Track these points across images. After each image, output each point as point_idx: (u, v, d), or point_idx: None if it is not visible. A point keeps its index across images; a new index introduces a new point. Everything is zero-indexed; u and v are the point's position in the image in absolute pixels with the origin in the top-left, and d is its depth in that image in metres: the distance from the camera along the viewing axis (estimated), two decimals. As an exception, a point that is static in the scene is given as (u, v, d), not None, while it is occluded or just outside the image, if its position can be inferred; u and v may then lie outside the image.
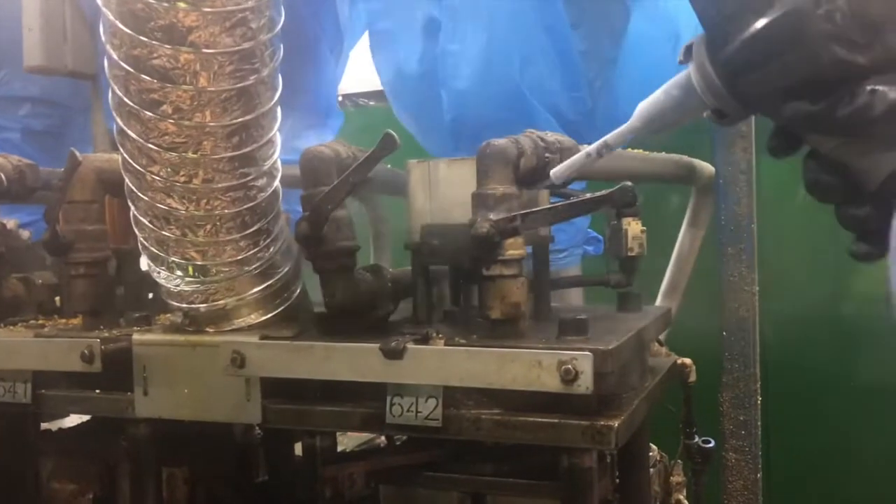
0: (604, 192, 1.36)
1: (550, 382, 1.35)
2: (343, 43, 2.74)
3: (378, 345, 1.47)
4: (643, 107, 1.03)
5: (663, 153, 2.11)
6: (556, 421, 1.40)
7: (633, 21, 2.37)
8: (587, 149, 1.15)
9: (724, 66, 0.90)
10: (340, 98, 3.35)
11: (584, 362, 1.33)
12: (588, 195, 1.38)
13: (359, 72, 3.34)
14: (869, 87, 0.81)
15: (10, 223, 2.35)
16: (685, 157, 2.25)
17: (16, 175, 2.05)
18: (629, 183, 1.32)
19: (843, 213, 0.91)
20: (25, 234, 2.68)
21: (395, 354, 1.46)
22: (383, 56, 2.41)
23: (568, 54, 2.27)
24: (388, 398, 1.51)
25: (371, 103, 4.32)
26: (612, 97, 2.31)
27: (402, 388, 1.50)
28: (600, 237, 2.42)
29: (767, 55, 0.85)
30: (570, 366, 1.33)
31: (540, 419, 1.42)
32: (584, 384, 1.33)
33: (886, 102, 0.80)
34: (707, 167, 2.34)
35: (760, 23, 0.84)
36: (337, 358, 1.51)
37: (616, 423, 1.38)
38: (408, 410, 1.50)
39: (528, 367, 1.37)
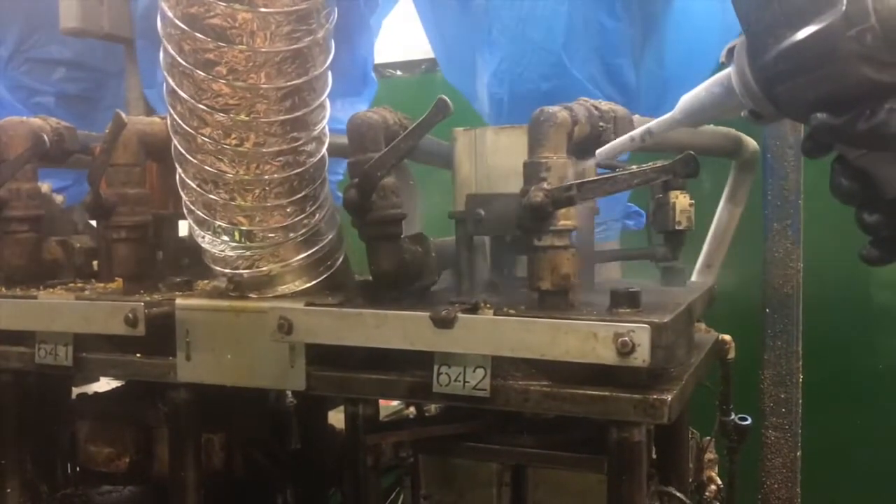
0: (665, 161, 1.33)
1: (606, 355, 1.34)
2: (378, 10, 2.71)
3: (428, 313, 1.46)
4: (685, 100, 1.11)
5: (711, 126, 2.07)
6: (607, 394, 1.39)
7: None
8: (630, 134, 1.25)
9: (761, 73, 0.96)
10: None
11: (641, 335, 1.31)
12: (649, 165, 1.35)
13: (386, 42, 3.30)
14: (888, 106, 0.86)
15: (44, 187, 2.35)
16: (732, 130, 2.21)
17: (55, 137, 2.04)
18: (691, 152, 1.29)
19: (858, 216, 0.97)
20: (59, 198, 2.69)
21: (445, 323, 1.44)
22: (432, 22, 2.38)
23: (611, 23, 2.23)
24: (436, 367, 1.50)
25: (398, 73, 4.28)
26: (655, 66, 2.27)
27: (450, 358, 1.49)
28: (641, 211, 2.39)
29: (799, 68, 0.90)
30: (627, 338, 1.31)
31: (590, 391, 1.40)
32: (641, 357, 1.31)
33: None
34: (751, 142, 2.31)
35: (795, 38, 0.89)
36: (387, 326, 1.49)
37: (669, 398, 1.36)
38: (455, 380, 1.49)
39: (584, 338, 1.35)
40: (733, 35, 1.01)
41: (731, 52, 1.00)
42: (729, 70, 1.01)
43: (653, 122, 1.18)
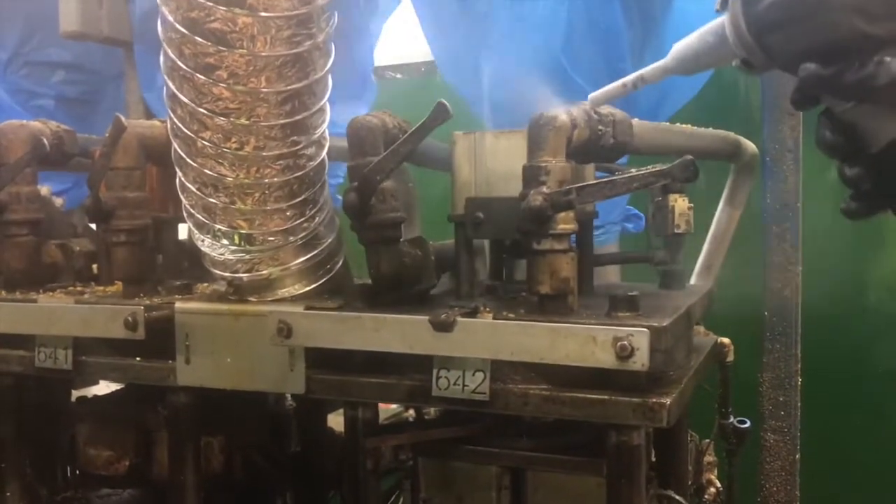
0: (664, 165, 1.34)
1: (605, 358, 1.34)
2: (379, 14, 2.71)
3: (427, 317, 1.46)
4: (678, 48, 1.11)
5: (710, 129, 2.08)
6: (606, 397, 1.39)
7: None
8: (623, 79, 1.22)
9: (754, 22, 0.96)
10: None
11: (640, 339, 1.31)
12: (647, 168, 1.35)
13: (386, 45, 3.30)
14: (877, 58, 0.87)
15: (44, 190, 2.35)
16: (732, 134, 2.22)
17: (55, 141, 2.05)
18: (690, 157, 1.29)
19: (840, 170, 0.98)
20: (59, 201, 2.69)
21: (444, 327, 1.45)
22: (432, 26, 2.39)
23: (611, 27, 2.23)
24: (435, 371, 1.50)
25: (398, 76, 4.28)
26: (655, 69, 2.26)
27: (449, 361, 1.49)
28: (641, 214, 2.39)
29: (791, 18, 0.91)
30: (626, 342, 1.32)
31: (590, 395, 1.40)
32: (640, 361, 1.31)
33: (891, 74, 0.86)
34: (749, 145, 2.31)
35: None
36: (386, 329, 1.50)
37: (668, 401, 1.37)
38: (454, 384, 1.49)
39: (583, 342, 1.35)
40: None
41: (725, 0, 1.00)
42: (722, 18, 1.01)
43: (645, 69, 1.17)
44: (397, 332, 1.49)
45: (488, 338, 1.43)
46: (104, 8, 2.56)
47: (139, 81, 2.72)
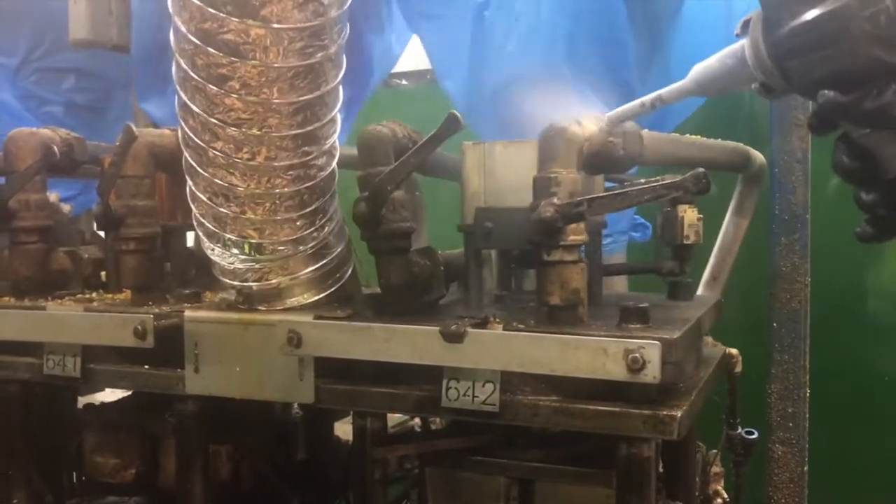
0: (674, 177, 1.34)
1: (616, 371, 1.34)
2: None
3: (438, 328, 1.46)
4: (697, 70, 1.13)
5: (720, 140, 2.07)
6: (617, 409, 1.39)
7: (687, 3, 2.33)
8: (642, 99, 1.26)
9: (774, 47, 0.97)
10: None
11: (651, 351, 1.31)
12: (658, 179, 1.35)
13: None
14: (895, 86, 0.88)
15: (52, 197, 2.35)
16: (741, 145, 2.21)
17: (65, 148, 2.05)
18: (702, 169, 1.29)
19: (856, 194, 0.99)
20: (66, 207, 2.70)
21: (455, 338, 1.45)
22: (433, 36, 2.38)
23: (616, 36, 2.23)
24: (445, 381, 1.50)
25: (404, 83, 4.29)
26: (661, 80, 2.26)
27: (459, 372, 1.49)
28: (647, 223, 2.39)
29: (812, 45, 0.92)
30: (637, 354, 1.31)
31: (600, 407, 1.40)
32: (652, 373, 1.31)
33: None
34: (758, 156, 2.31)
35: (810, 14, 0.91)
36: (396, 340, 1.50)
37: (679, 414, 1.36)
38: (464, 394, 1.49)
39: (594, 354, 1.35)
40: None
41: (746, 24, 1.02)
42: (743, 42, 1.02)
43: (664, 90, 1.20)
44: (407, 343, 1.49)
45: (498, 349, 1.43)
46: (113, 16, 2.56)
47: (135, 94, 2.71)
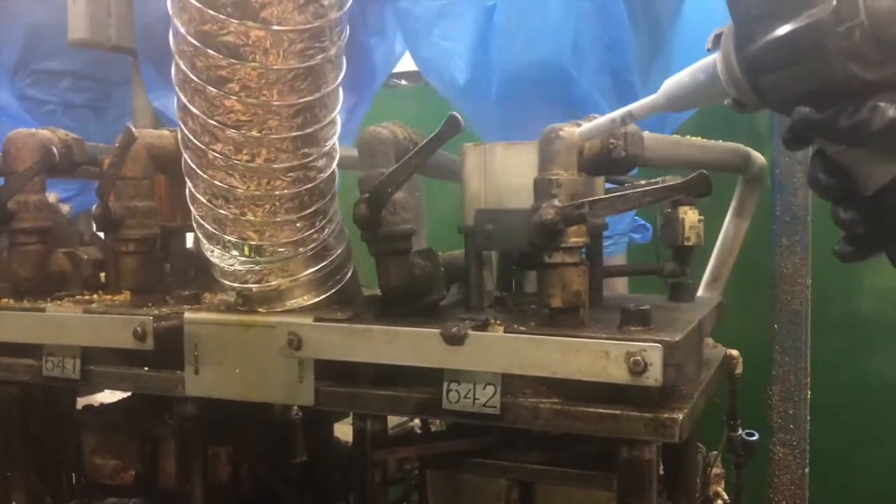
0: (674, 179, 1.33)
1: (618, 374, 1.33)
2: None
3: (439, 330, 1.45)
4: (668, 85, 1.08)
5: (720, 141, 2.07)
6: (618, 412, 1.38)
7: (687, 3, 2.33)
8: (612, 114, 1.21)
9: (747, 62, 0.94)
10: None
11: (653, 354, 1.31)
12: (659, 181, 1.34)
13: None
14: (871, 104, 0.86)
15: (51, 197, 2.35)
16: (741, 146, 2.21)
17: (63, 149, 2.04)
18: (705, 172, 1.29)
19: (833, 212, 0.96)
20: (65, 208, 2.69)
21: (456, 340, 1.44)
22: (428, 36, 2.38)
23: (619, 36, 2.23)
24: (445, 384, 1.49)
25: (402, 83, 4.28)
26: (662, 81, 2.26)
27: (459, 375, 1.48)
28: (648, 225, 2.39)
29: (785, 61, 0.89)
30: (639, 357, 1.31)
31: (601, 410, 1.39)
32: (654, 376, 1.31)
33: (885, 119, 0.85)
34: (758, 157, 2.31)
35: (783, 29, 0.88)
36: (397, 342, 1.49)
37: (681, 416, 1.36)
38: (465, 397, 1.48)
39: (595, 357, 1.35)
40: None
41: (717, 38, 0.98)
42: (714, 57, 0.99)
43: (634, 105, 1.15)
44: (408, 345, 1.49)
45: (500, 351, 1.43)
46: (112, 16, 2.55)
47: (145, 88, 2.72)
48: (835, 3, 0.85)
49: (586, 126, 1.27)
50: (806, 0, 0.86)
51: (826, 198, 0.97)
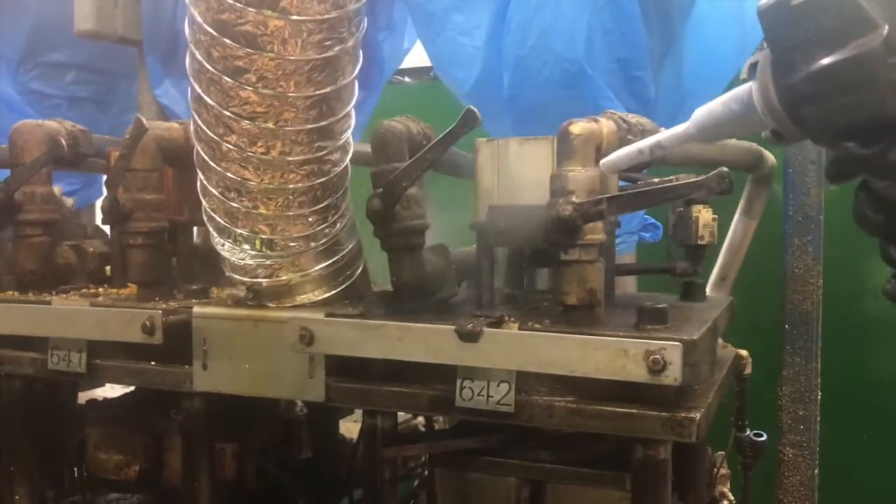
0: (689, 176, 1.32)
1: (637, 372, 1.32)
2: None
3: (453, 326, 1.44)
4: (700, 114, 1.03)
5: (733, 140, 2.06)
6: (634, 411, 1.37)
7: (699, 1, 2.32)
8: (639, 144, 1.16)
9: (787, 93, 0.90)
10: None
11: (673, 352, 1.29)
12: (676, 178, 1.33)
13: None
14: None
15: (56, 190, 2.32)
16: (755, 145, 2.20)
17: (71, 141, 2.02)
18: (725, 169, 1.27)
19: (884, 250, 0.93)
20: (70, 201, 2.66)
21: (471, 337, 1.43)
22: (442, 32, 2.36)
23: (632, 31, 2.22)
24: (459, 381, 1.47)
25: (407, 79, 4.27)
26: (673, 78, 2.26)
27: (473, 372, 1.46)
28: (658, 224, 2.37)
29: (831, 92, 0.85)
30: (658, 356, 1.29)
31: (617, 408, 1.38)
32: (673, 375, 1.29)
33: None
34: (770, 157, 2.29)
35: (828, 60, 0.84)
36: (410, 338, 1.47)
37: (697, 416, 1.34)
38: (478, 394, 1.47)
39: (614, 355, 1.33)
40: (750, 49, 0.96)
41: (753, 67, 0.94)
42: (749, 86, 0.95)
43: (663, 135, 1.11)
44: (421, 342, 1.47)
45: (515, 349, 1.41)
46: (119, 7, 2.53)
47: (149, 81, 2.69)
48: (885, 32, 0.81)
49: (611, 157, 1.22)
50: (854, 30, 0.83)
51: (874, 235, 0.93)
